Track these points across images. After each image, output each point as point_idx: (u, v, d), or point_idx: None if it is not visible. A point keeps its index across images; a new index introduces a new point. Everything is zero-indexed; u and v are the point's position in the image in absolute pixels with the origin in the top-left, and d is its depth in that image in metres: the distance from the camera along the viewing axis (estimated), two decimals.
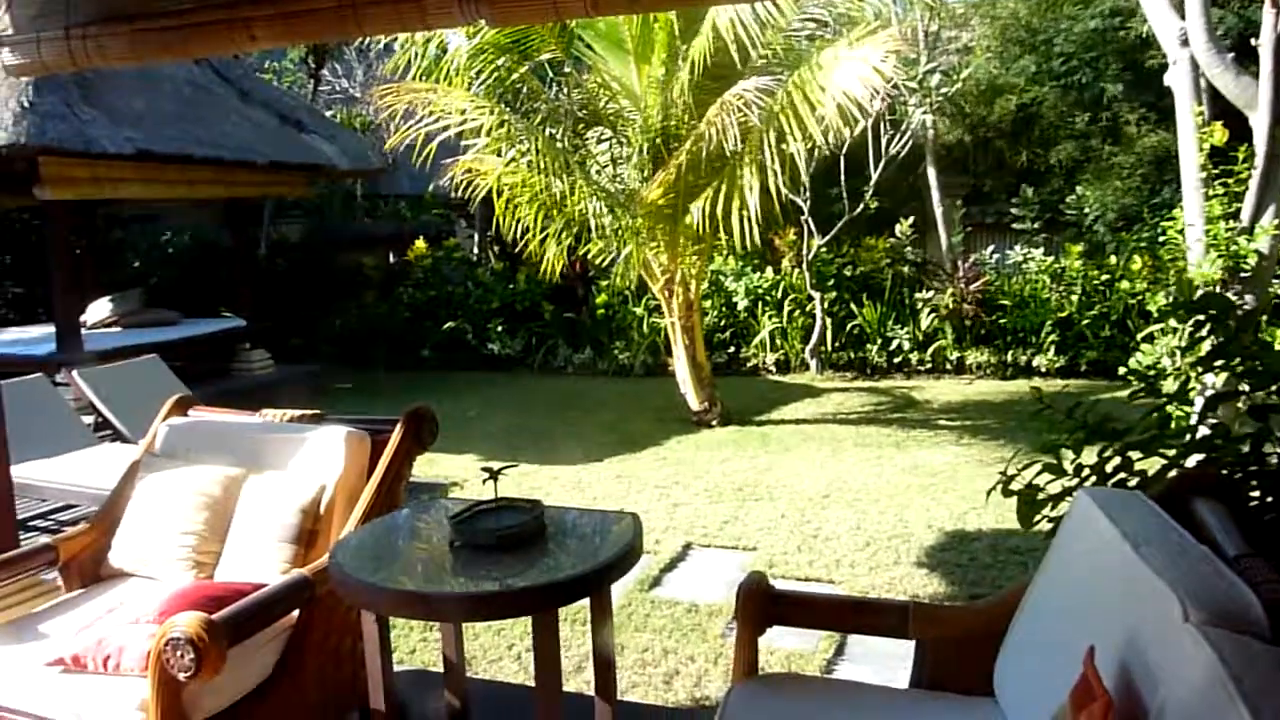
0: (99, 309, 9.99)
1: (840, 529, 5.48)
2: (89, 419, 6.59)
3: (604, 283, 11.54)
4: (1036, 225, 11.59)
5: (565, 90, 7.96)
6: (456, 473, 6.85)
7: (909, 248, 10.99)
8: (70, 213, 8.65)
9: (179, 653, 2.16)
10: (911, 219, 10.97)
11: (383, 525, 2.48)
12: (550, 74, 8.28)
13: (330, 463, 2.89)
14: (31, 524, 5.63)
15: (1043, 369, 9.87)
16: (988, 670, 2.13)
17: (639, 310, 11.31)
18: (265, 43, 3.74)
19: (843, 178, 10.43)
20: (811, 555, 5.09)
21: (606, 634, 2.34)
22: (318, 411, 3.18)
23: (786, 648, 3.93)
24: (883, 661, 3.80)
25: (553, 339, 11.64)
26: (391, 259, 13.65)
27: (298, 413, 3.18)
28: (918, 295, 10.54)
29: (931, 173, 11.42)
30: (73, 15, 3.74)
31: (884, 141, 10.28)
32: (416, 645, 4.14)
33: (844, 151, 10.20)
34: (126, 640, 2.36)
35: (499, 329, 11.87)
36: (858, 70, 6.60)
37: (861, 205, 10.43)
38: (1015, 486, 2.56)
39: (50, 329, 8.86)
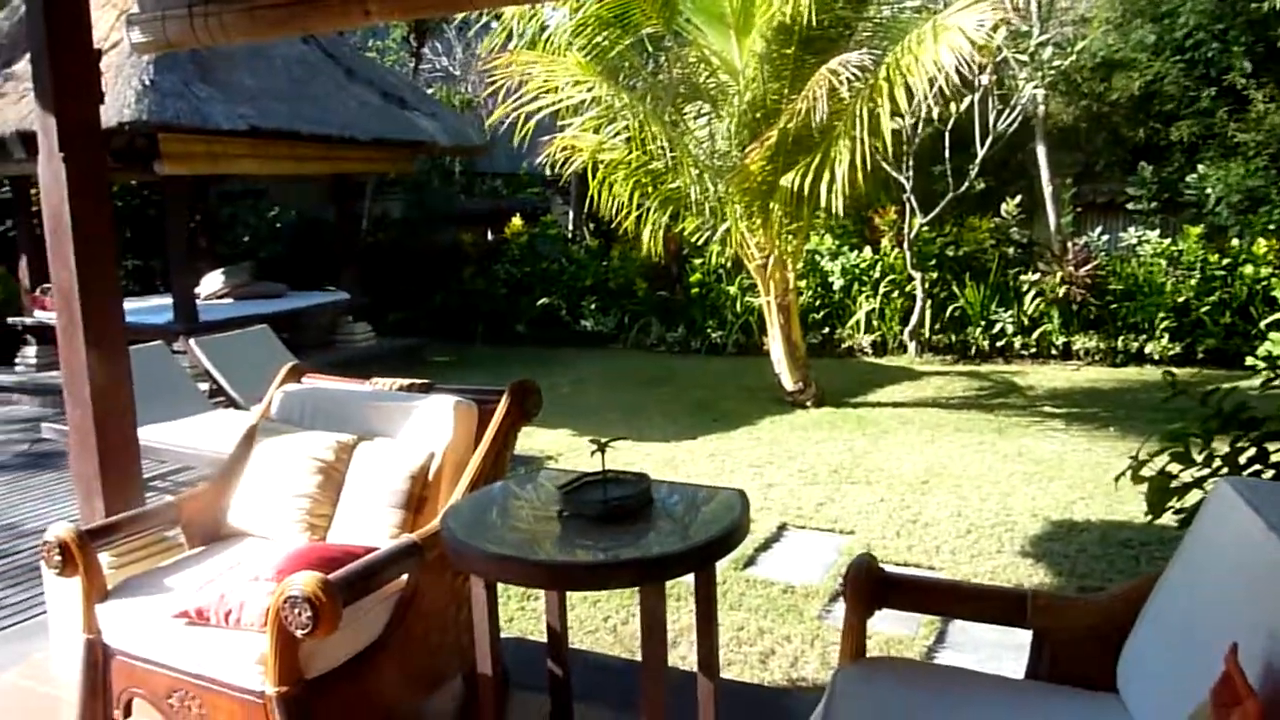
0: (212, 281, 10.39)
1: (940, 515, 5.35)
2: (203, 386, 6.87)
3: (698, 261, 11.49)
4: (1153, 206, 11.07)
5: (666, 65, 7.89)
6: (550, 447, 6.93)
7: (1015, 228, 10.62)
8: (187, 188, 9.00)
9: (297, 610, 2.22)
10: (1018, 198, 10.59)
11: (492, 493, 2.51)
12: (650, 49, 8.22)
13: (439, 431, 2.94)
14: (151, 484, 5.89)
15: (1156, 356, 9.45)
16: (1112, 664, 2.04)
17: (733, 289, 11.22)
18: (378, 17, 3.80)
19: (947, 155, 10.13)
20: (910, 540, 4.98)
21: (711, 610, 2.32)
22: (426, 381, 3.24)
23: (885, 632, 3.86)
24: (986, 650, 3.71)
25: (645, 316, 11.64)
26: (489, 236, 13.83)
27: (407, 381, 3.24)
28: (1023, 277, 10.19)
29: (1041, 150, 10.98)
30: None
31: (991, 117, 9.93)
32: (514, 614, 4.20)
33: (949, 128, 9.92)
34: (247, 596, 2.44)
35: (592, 306, 11.93)
36: (960, 43, 6.37)
37: (966, 183, 10.11)
38: (1146, 473, 2.43)
39: (167, 299, 9.26)
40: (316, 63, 9.86)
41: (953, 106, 9.59)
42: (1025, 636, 2.21)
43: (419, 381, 3.25)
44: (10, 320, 10.05)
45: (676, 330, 11.40)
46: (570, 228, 13.58)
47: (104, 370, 3.14)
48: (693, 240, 9.32)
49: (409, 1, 3.41)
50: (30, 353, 9.79)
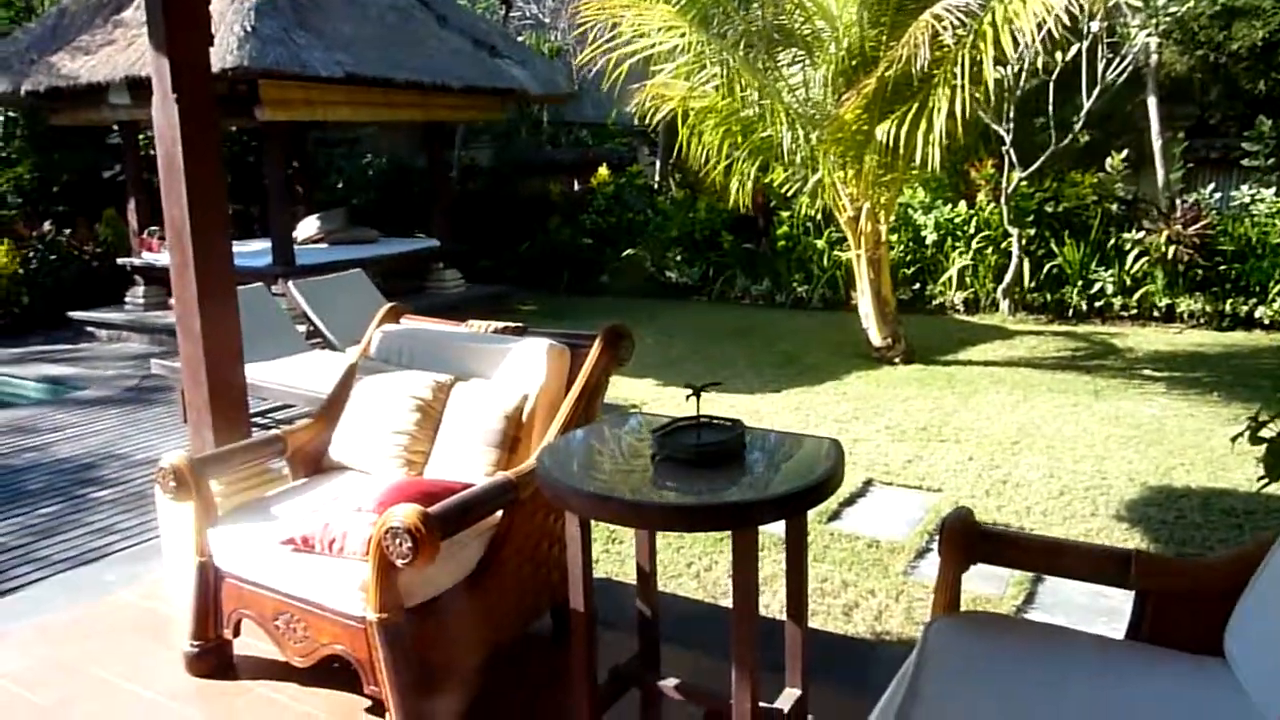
0: (308, 226, 10.67)
1: (1032, 476, 5.23)
2: (301, 327, 7.08)
3: (785, 213, 11.33)
4: (1270, 163, 10.46)
5: (760, 10, 7.72)
6: (635, 395, 6.98)
7: (1120, 183, 10.16)
8: (285, 135, 9.21)
9: (398, 540, 2.30)
10: (1125, 152, 10.12)
11: (586, 434, 2.54)
12: None
13: (533, 373, 2.98)
14: (253, 420, 6.12)
15: (1266, 321, 9.00)
16: (1218, 630, 1.97)
17: (820, 243, 11.04)
18: None
19: (1050, 106, 9.72)
20: (1000, 501, 4.89)
21: (802, 558, 2.32)
22: (520, 324, 3.28)
23: (973, 590, 3.82)
24: (1077, 613, 3.64)
25: (730, 269, 11.56)
26: (575, 185, 13.85)
27: (501, 324, 3.29)
28: (1126, 235, 9.79)
29: (1152, 102, 10.45)
30: None
31: (1100, 67, 9.48)
32: (599, 556, 4.28)
33: (1054, 77, 9.51)
34: (350, 526, 2.53)
35: (677, 257, 11.90)
36: None
37: (1070, 136, 9.70)
38: (1265, 435, 2.33)
39: (265, 244, 9.54)
40: (410, 9, 9.93)
41: (1058, 55, 9.18)
42: (1118, 600, 2.17)
43: (513, 325, 3.29)
44: (120, 261, 10.50)
45: (761, 283, 11.30)
46: (656, 178, 13.50)
47: (214, 306, 3.26)
48: (781, 192, 9.18)
49: None
50: (139, 292, 10.22)
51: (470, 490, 2.59)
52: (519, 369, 3.03)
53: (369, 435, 3.10)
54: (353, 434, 3.15)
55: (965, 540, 2.16)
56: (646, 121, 8.11)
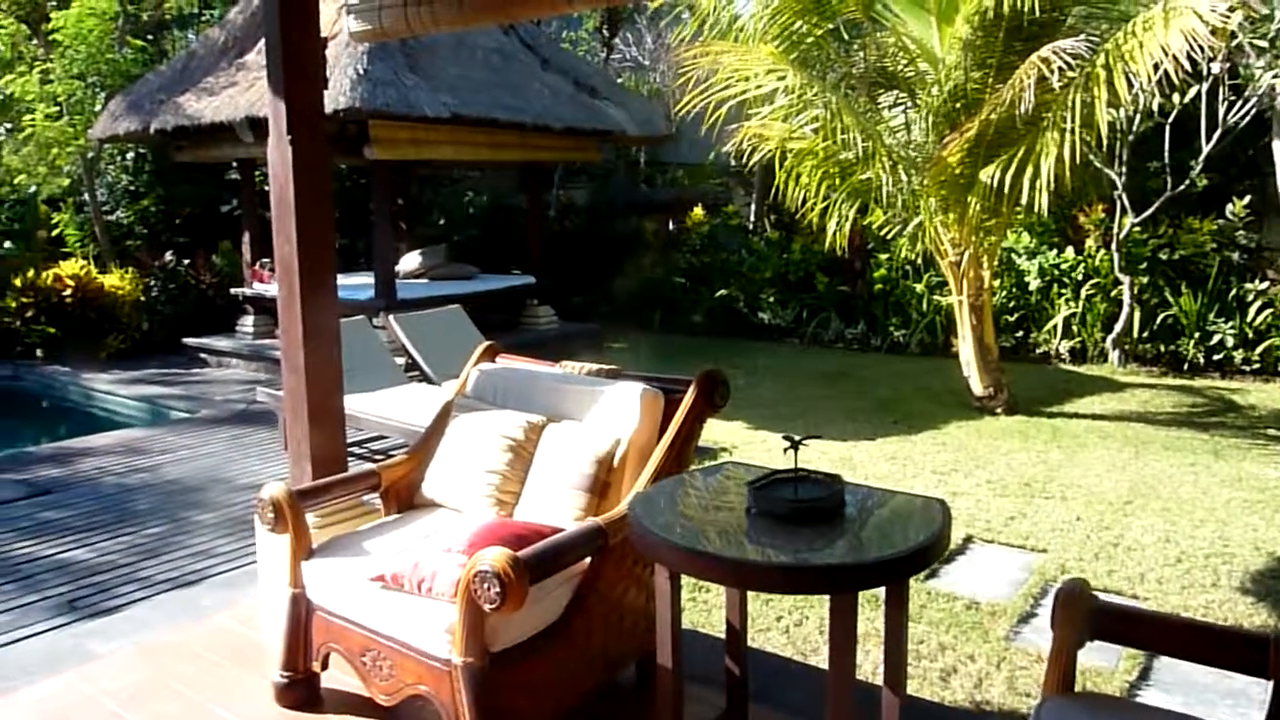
0: (410, 261, 10.95)
1: (1146, 539, 4.94)
2: (399, 360, 7.23)
3: (883, 256, 11.14)
4: None
5: (863, 53, 7.65)
6: (726, 438, 6.89)
7: (1241, 231, 9.69)
8: (391, 173, 9.49)
9: (486, 585, 2.28)
10: (1247, 198, 9.65)
11: (679, 483, 2.49)
12: (846, 36, 7.99)
13: (626, 417, 2.94)
14: (350, 450, 6.25)
15: None
16: None
17: (919, 286, 10.81)
18: (581, 5, 3.86)
19: (1166, 149, 9.35)
20: (1111, 565, 4.63)
21: (902, 625, 2.21)
22: (614, 367, 3.25)
23: (1081, 662, 3.59)
24: (1197, 693, 3.39)
25: (825, 311, 11.40)
26: (670, 225, 13.92)
27: (595, 366, 3.27)
28: (1248, 286, 9.31)
29: (1277, 146, 9.94)
30: None
31: (1221, 109, 9.08)
32: (685, 605, 4.19)
33: (1170, 120, 9.15)
34: (439, 567, 2.52)
35: (771, 298, 11.80)
36: (1193, 25, 5.81)
37: (1187, 181, 9.30)
38: None
39: (367, 277, 9.82)
40: (514, 52, 10.17)
41: (1175, 97, 8.84)
42: (1243, 682, 1.99)
43: (606, 367, 3.27)
44: (233, 291, 10.94)
45: (856, 327, 11.11)
46: (751, 219, 13.46)
47: (318, 343, 3.33)
48: (878, 234, 9.03)
49: None
50: (248, 321, 10.63)
51: (560, 535, 2.56)
52: (612, 413, 3.00)
53: (461, 473, 3.10)
54: (446, 471, 3.16)
55: (1081, 615, 2.02)
56: (743, 162, 8.09)
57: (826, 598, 1.99)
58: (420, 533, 2.93)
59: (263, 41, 9.66)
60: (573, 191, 15.19)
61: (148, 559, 4.76)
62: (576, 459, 2.90)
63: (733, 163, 9.47)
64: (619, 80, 14.78)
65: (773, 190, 8.24)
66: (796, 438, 2.18)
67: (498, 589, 2.26)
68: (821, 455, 6.49)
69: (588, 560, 2.65)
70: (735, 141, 7.80)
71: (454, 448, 3.18)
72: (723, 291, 12.12)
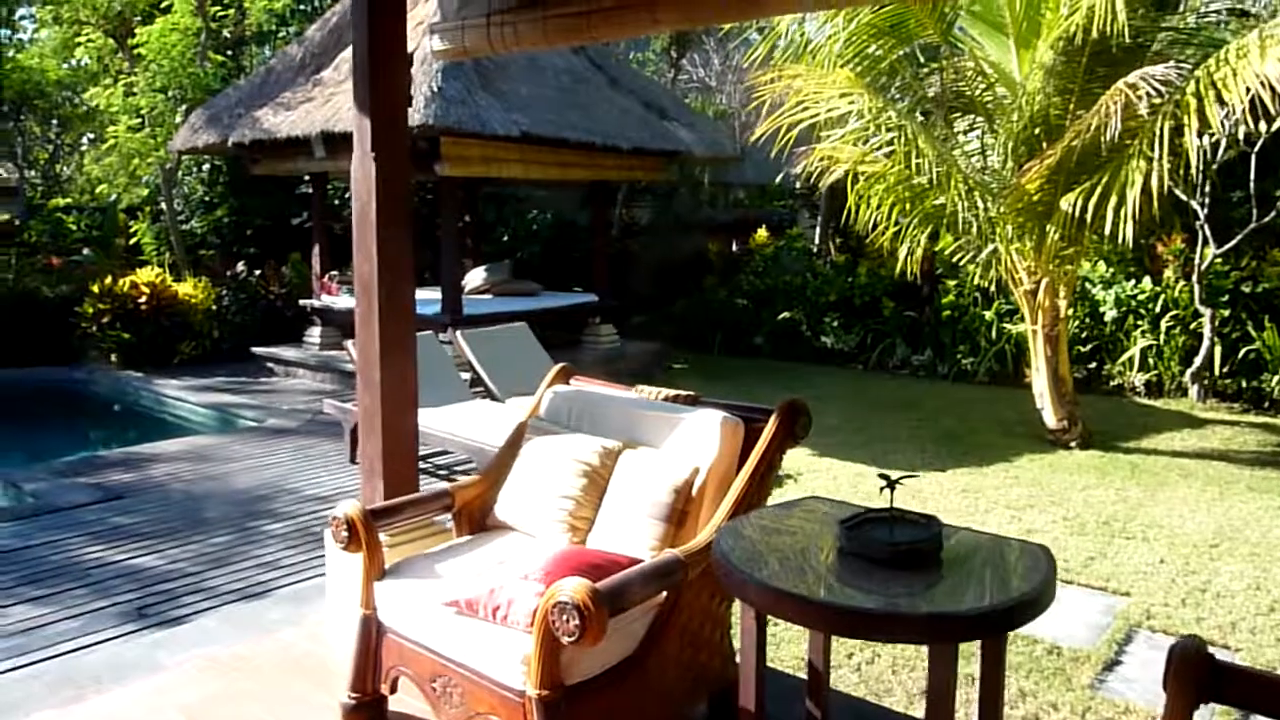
0: (475, 277, 11.02)
1: (1235, 586, 4.71)
2: (465, 375, 7.25)
3: (951, 282, 10.93)
4: None
5: (940, 76, 7.53)
6: (790, 465, 6.76)
7: None
8: (460, 189, 9.57)
9: (565, 617, 2.21)
10: None
11: (764, 517, 2.41)
12: (922, 60, 7.88)
13: (705, 446, 2.87)
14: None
15: None
16: None
17: (989, 314, 10.57)
18: (666, 25, 3.83)
19: (1251, 178, 9.03)
20: (1199, 612, 4.42)
21: (1000, 677, 2.10)
22: (691, 393, 3.19)
23: None
24: None
25: (890, 337, 11.21)
26: (734, 246, 13.84)
27: (672, 392, 3.21)
28: None
29: None
30: (494, 3, 4.04)
31: None
32: None
33: (1256, 149, 8.84)
34: (515, 595, 2.47)
35: (835, 323, 11.65)
36: None
37: (1274, 212, 8.97)
38: None
39: (433, 292, 9.89)
40: (584, 72, 10.22)
41: (1261, 126, 8.54)
42: None
43: (683, 393, 3.21)
44: (301, 302, 11.12)
45: (923, 353, 10.90)
46: (816, 241, 13.33)
47: (394, 359, 3.32)
48: (948, 259, 8.85)
49: (697, 9, 3.37)
50: (315, 332, 10.77)
51: (639, 567, 2.49)
52: (690, 440, 2.93)
53: (534, 497, 3.05)
54: (518, 495, 3.11)
55: (1198, 676, 1.89)
56: (811, 185, 8.00)
57: None
58: (494, 558, 2.89)
59: (340, 58, 9.86)
60: (636, 210, 15.20)
61: (215, 568, 4.80)
62: (653, 487, 2.84)
63: (798, 185, 9.41)
64: (686, 101, 14.79)
65: (843, 213, 8.13)
66: (893, 476, 2.09)
67: (577, 621, 2.20)
68: None
69: (664, 593, 2.58)
70: (806, 164, 7.71)
71: (527, 471, 3.13)
72: (786, 314, 12.00)
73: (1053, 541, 5.33)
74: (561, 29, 3.86)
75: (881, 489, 2.11)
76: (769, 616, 2.17)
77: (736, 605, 2.41)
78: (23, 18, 16.77)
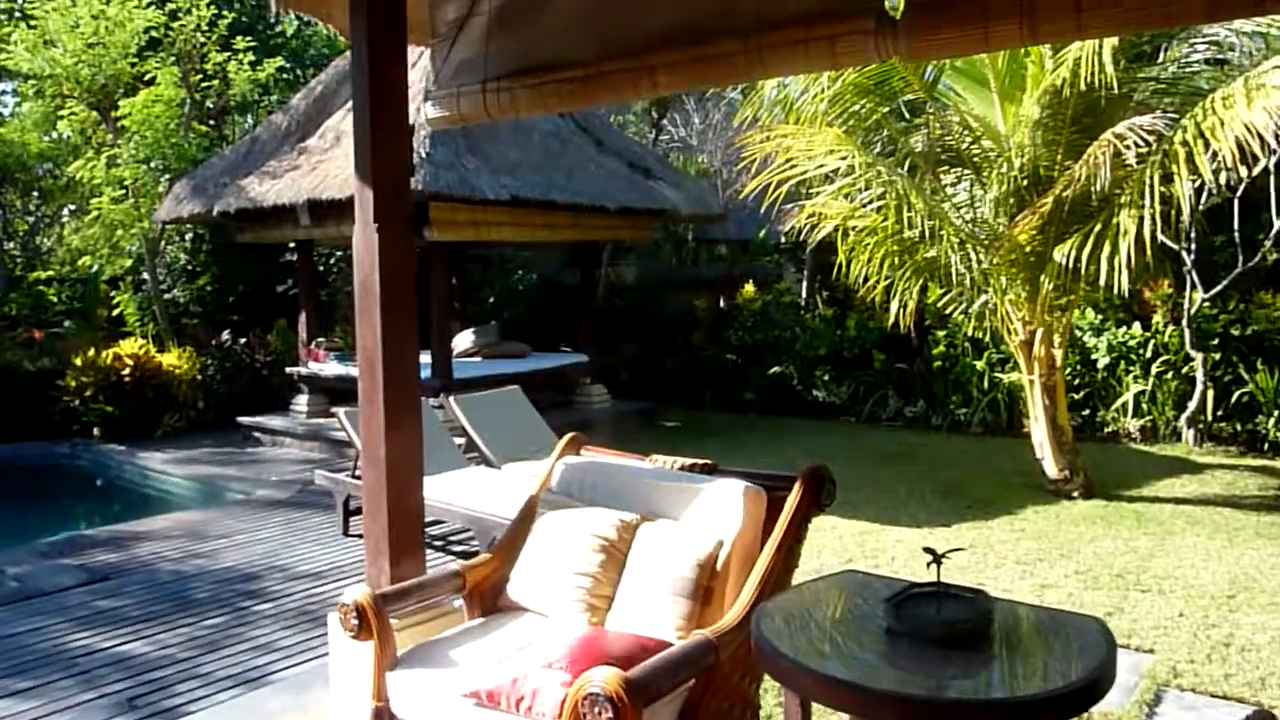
0: (463, 340, 10.93)
1: (1259, 639, 4.61)
2: (459, 440, 7.12)
3: (941, 332, 10.94)
4: None
5: (926, 131, 7.60)
6: None
7: None
8: (447, 253, 9.53)
9: (597, 709, 2.10)
10: None
11: (805, 596, 2.31)
12: (907, 115, 7.96)
13: (727, 517, 2.78)
14: None
15: None
16: None
17: (980, 364, 10.56)
18: (666, 89, 3.79)
19: (1235, 223, 9.13)
20: (1226, 668, 4.31)
21: None
22: (708, 461, 3.10)
23: None
24: None
25: (882, 389, 11.17)
26: (721, 302, 13.85)
27: (688, 461, 3.12)
28: None
29: None
30: (489, 70, 4.02)
31: None
32: (773, 710, 3.94)
33: (1239, 194, 8.95)
34: (541, 684, 2.35)
35: (825, 376, 11.61)
36: (1276, 103, 5.67)
37: (1259, 255, 9.06)
38: None
39: (423, 357, 9.79)
40: (570, 135, 10.27)
41: (1242, 170, 8.66)
42: None
43: (700, 461, 3.12)
44: (288, 370, 10.97)
45: (915, 405, 10.86)
46: (804, 295, 13.35)
47: (399, 434, 3.21)
48: (936, 309, 8.86)
49: (701, 72, 3.36)
50: (302, 400, 10.62)
51: (670, 652, 2.37)
52: (711, 511, 2.83)
53: (550, 576, 2.94)
54: (533, 573, 3.00)
55: None
56: (801, 240, 8.01)
57: None
58: (512, 643, 2.76)
59: (325, 125, 9.87)
60: (621, 268, 15.22)
61: (208, 653, 4.62)
62: (675, 562, 2.73)
63: (784, 239, 9.42)
64: (669, 160, 14.91)
65: (833, 269, 8.13)
66: (939, 551, 2.00)
67: (610, 714, 2.08)
68: (898, 544, 6.23)
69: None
70: (796, 221, 7.73)
71: (541, 548, 3.02)
72: (776, 369, 11.96)
73: (1068, 597, 5.23)
74: (560, 95, 3.84)
75: (928, 564, 2.01)
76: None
77: (766, 682, 2.30)
78: (3, 93, 16.83)
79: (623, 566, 2.88)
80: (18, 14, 14.17)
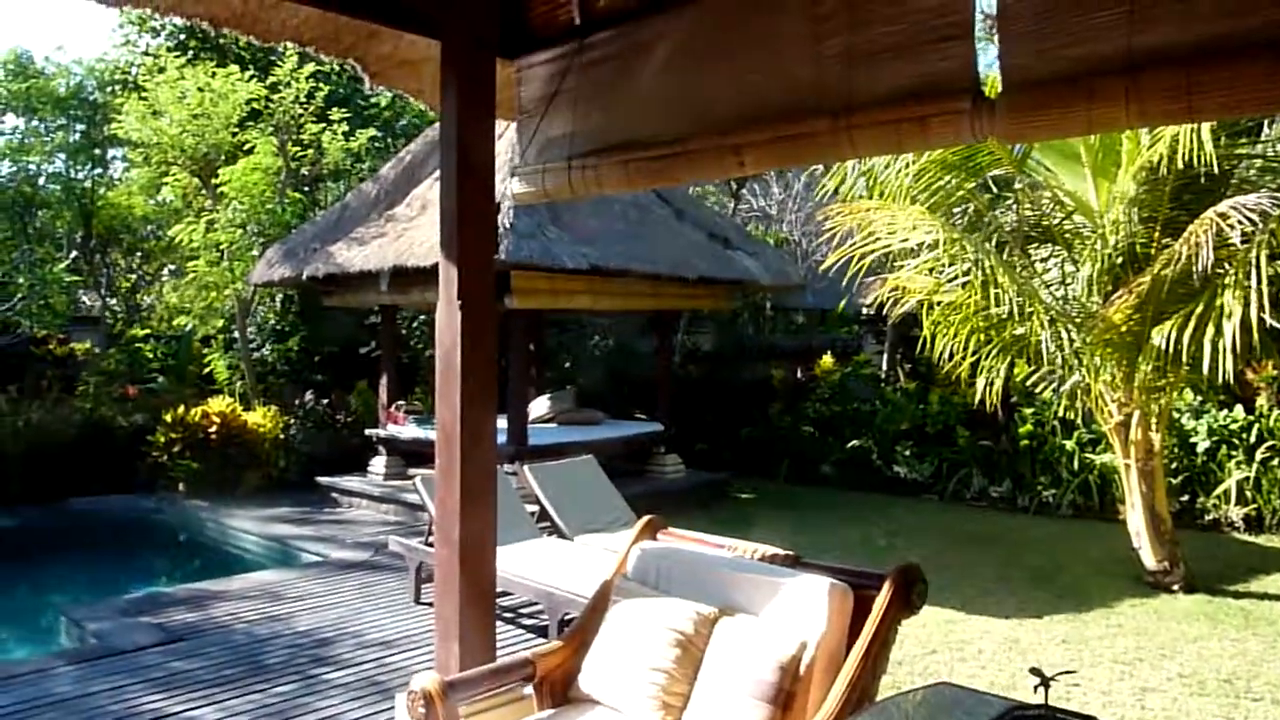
0: (539, 406, 10.96)
1: None
2: (531, 508, 7.06)
3: (1028, 410, 10.58)
4: None
5: (1016, 207, 7.43)
6: None
7: None
8: (527, 320, 9.62)
9: None
10: None
11: (896, 711, 2.15)
12: (995, 190, 7.81)
13: (812, 617, 2.64)
14: None
15: None
16: None
17: (1069, 444, 10.16)
18: (752, 168, 3.75)
19: None
20: None
21: None
22: (791, 553, 2.97)
23: None
24: None
25: (966, 467, 10.82)
26: (799, 373, 13.68)
27: (770, 551, 3.00)
28: None
29: None
30: (574, 147, 4.03)
31: None
32: None
33: None
34: None
35: (907, 452, 11.31)
36: None
37: None
38: None
39: (500, 422, 9.83)
40: (650, 205, 10.35)
41: None
42: None
43: (782, 553, 2.99)
44: (367, 431, 11.13)
45: (1001, 484, 10.48)
46: (884, 368, 13.10)
47: (475, 513, 3.16)
48: (1022, 386, 8.56)
49: (787, 151, 3.31)
50: (379, 462, 10.73)
51: None
52: (794, 609, 2.70)
53: (623, 669, 2.83)
54: (605, 665, 2.89)
55: None
56: (884, 313, 7.86)
57: None
58: None
59: (412, 194, 10.13)
60: (697, 336, 15.18)
61: None
62: (755, 663, 2.60)
63: (866, 311, 9.29)
64: (747, 230, 14.93)
65: (915, 341, 7.95)
66: (1046, 674, 1.84)
67: None
68: (984, 635, 5.93)
69: None
70: (879, 294, 7.59)
71: (614, 638, 2.92)
72: (855, 442, 11.70)
73: (1172, 703, 4.89)
74: (645, 172, 3.82)
75: (1036, 687, 1.86)
76: None
77: None
78: (113, 158, 17.77)
79: (699, 663, 2.75)
80: (131, 85, 15.04)
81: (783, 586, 2.77)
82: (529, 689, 2.96)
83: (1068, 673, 2.05)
